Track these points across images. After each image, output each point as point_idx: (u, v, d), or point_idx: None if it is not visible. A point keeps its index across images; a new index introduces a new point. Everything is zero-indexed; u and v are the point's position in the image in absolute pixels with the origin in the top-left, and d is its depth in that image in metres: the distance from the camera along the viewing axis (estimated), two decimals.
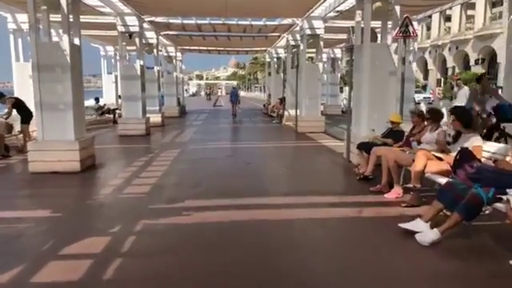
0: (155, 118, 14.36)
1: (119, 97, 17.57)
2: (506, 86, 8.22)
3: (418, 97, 26.00)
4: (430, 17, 31.79)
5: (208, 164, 7.90)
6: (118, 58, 18.58)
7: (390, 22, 7.67)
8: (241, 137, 13.90)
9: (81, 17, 7.69)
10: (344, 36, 17.72)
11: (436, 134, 5.24)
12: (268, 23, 14.69)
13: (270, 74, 25.14)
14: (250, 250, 3.65)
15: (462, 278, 3.12)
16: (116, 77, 20.57)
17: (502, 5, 34.63)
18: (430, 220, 3.88)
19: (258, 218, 4.45)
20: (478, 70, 35.73)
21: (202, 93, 63.44)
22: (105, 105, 18.24)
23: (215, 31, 16.54)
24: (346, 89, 31.43)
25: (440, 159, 4.80)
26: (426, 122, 5.74)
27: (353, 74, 7.77)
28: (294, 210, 4.80)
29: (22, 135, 9.08)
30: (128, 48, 13.97)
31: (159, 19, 13.72)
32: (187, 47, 23.33)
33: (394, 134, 6.43)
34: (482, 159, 4.47)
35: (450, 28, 42.33)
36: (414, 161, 4.94)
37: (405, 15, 7.09)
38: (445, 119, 6.94)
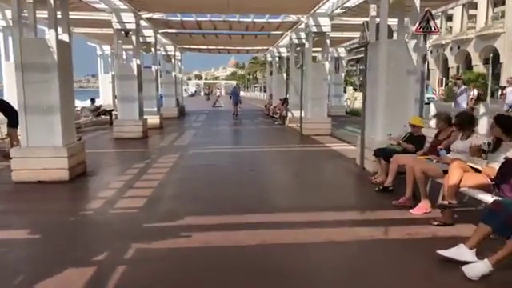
0: (153, 120, 13.76)
1: (116, 97, 16.94)
2: None
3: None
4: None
5: (209, 172, 7.27)
6: (114, 57, 17.95)
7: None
8: (242, 140, 13.28)
9: (75, 13, 7.06)
10: (349, 34, 17.20)
11: (468, 142, 4.62)
12: (271, 20, 14.10)
13: (271, 73, 24.51)
14: (260, 281, 3.08)
15: None
16: (113, 76, 19.94)
17: (503, 4, 34.16)
18: (475, 247, 3.27)
19: (268, 242, 3.81)
20: (480, 69, 35.30)
21: (202, 93, 62.79)
22: (101, 106, 17.59)
23: (216, 29, 15.95)
24: (349, 89, 31.20)
25: (478, 171, 4.19)
26: (453, 128, 5.16)
27: (366, 72, 7.16)
28: (309, 229, 4.14)
29: (8, 139, 8.45)
30: (125, 47, 13.37)
31: (157, 16, 13.09)
32: (186, 46, 22.69)
33: (414, 140, 5.84)
34: None
35: (451, 27, 41.88)
36: (444, 172, 4.36)
37: (426, 9, 6.46)
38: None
